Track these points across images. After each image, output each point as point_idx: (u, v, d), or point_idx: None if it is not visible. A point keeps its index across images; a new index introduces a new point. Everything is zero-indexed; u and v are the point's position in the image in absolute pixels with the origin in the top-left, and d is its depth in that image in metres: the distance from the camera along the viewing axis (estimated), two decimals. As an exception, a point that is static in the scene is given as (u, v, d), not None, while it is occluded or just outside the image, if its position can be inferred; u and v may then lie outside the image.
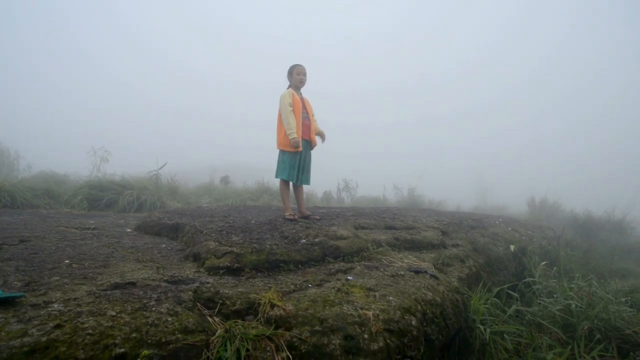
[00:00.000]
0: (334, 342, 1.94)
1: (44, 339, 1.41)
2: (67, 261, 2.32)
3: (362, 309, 2.22)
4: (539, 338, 2.67)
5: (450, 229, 4.58)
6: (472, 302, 2.80)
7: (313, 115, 3.77)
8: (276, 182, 8.54)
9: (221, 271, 2.42)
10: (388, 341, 2.14)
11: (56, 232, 3.20)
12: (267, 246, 2.70)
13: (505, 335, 2.59)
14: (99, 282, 1.97)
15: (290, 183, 3.64)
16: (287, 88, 3.68)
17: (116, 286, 1.96)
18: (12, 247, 2.52)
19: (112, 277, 2.08)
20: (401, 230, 4.09)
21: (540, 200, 10.58)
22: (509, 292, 3.50)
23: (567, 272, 4.40)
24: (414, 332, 2.21)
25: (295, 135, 3.44)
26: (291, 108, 3.53)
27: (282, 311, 2.04)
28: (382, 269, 2.94)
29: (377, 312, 2.22)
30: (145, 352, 1.34)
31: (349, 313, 2.13)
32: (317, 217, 3.63)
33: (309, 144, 3.66)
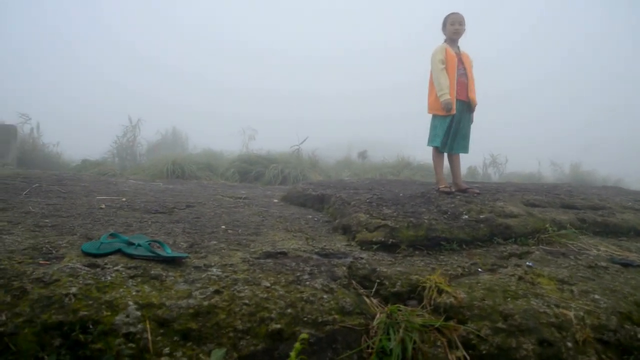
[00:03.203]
0: (525, 346, 1.47)
1: (205, 303, 1.34)
2: (223, 226, 2.36)
3: (557, 306, 1.68)
4: None
5: (661, 212, 3.45)
6: None
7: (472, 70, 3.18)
8: (417, 156, 8.01)
9: (374, 246, 2.15)
10: (603, 356, 1.57)
11: (214, 200, 3.41)
12: (425, 221, 2.32)
13: None
14: (252, 250, 1.90)
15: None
16: (443, 42, 3.16)
17: (268, 255, 1.86)
18: (180, 211, 2.71)
19: (264, 245, 2.01)
20: (585, 211, 3.22)
21: None
22: None
23: None
24: (648, 351, 1.57)
25: (447, 97, 2.92)
26: (443, 65, 3.01)
27: (452, 299, 1.65)
28: (572, 257, 2.28)
29: (581, 313, 1.66)
30: (304, 335, 1.13)
31: (541, 311, 1.62)
32: (477, 191, 3.07)
33: (467, 106, 3.10)
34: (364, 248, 2.14)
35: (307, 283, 1.59)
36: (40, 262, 1.44)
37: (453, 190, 3.04)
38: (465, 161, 9.82)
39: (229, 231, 2.26)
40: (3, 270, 1.32)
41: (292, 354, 1.06)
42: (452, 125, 3.02)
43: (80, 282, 1.32)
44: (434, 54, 3.08)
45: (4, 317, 1.13)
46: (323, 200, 3.28)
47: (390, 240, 2.18)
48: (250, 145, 10.14)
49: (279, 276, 1.60)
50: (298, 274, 1.65)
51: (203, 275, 1.51)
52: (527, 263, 2.12)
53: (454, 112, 2.96)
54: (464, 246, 2.29)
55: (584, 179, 9.37)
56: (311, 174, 6.04)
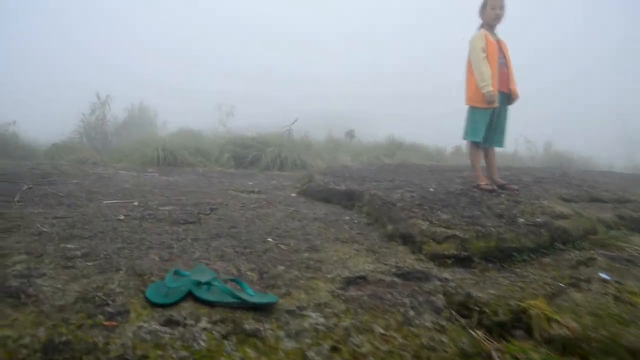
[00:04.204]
0: (660, 387, 1.37)
1: (328, 368, 1.10)
2: (270, 239, 2.08)
3: (666, 332, 1.59)
4: None
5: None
6: None
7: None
8: (407, 138, 7.89)
9: (448, 261, 1.97)
10: None
11: (231, 197, 3.09)
12: (492, 229, 2.17)
13: None
14: (329, 276, 1.66)
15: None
16: (479, 29, 2.93)
17: (349, 281, 1.63)
18: (208, 218, 2.39)
19: (336, 267, 1.77)
20: (616, 205, 3.22)
21: None
22: None
23: None
24: None
25: (490, 88, 2.73)
26: (484, 54, 2.79)
27: (565, 330, 1.52)
28: (638, 263, 2.23)
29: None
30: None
31: (658, 340, 1.52)
32: (516, 188, 2.96)
33: (507, 98, 2.92)
34: (437, 263, 1.96)
35: (417, 322, 1.38)
36: (104, 323, 1.12)
37: (495, 188, 2.90)
38: (449, 140, 9.87)
39: (281, 246, 1.99)
40: (68, 345, 1.00)
41: None
42: (493, 119, 2.85)
43: (173, 355, 1.03)
44: (473, 41, 2.85)
45: None
46: (352, 196, 3.06)
47: (463, 253, 2.01)
48: (227, 123, 9.61)
49: (386, 317, 1.38)
50: (402, 309, 1.44)
51: (305, 325, 1.26)
52: (601, 275, 2.03)
53: (496, 104, 2.78)
54: (532, 255, 2.17)
55: (559, 160, 9.70)
56: (307, 158, 5.75)
